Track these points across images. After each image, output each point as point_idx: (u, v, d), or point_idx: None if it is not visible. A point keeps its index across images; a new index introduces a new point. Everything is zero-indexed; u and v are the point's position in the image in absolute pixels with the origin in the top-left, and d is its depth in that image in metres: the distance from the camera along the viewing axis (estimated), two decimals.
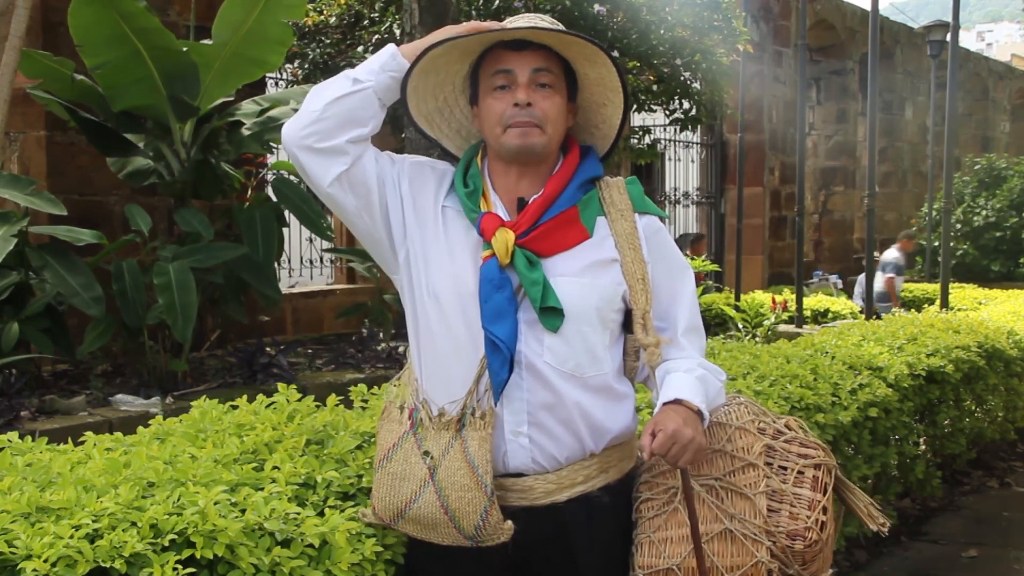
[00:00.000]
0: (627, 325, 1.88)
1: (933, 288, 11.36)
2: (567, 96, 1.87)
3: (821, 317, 10.12)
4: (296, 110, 5.69)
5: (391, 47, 1.85)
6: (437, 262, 1.83)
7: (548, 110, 1.82)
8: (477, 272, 1.78)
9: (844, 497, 2.01)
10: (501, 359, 1.73)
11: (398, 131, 7.85)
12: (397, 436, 1.84)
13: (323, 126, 1.80)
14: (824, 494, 1.89)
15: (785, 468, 1.90)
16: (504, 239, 1.77)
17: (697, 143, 14.73)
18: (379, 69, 1.82)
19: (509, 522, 1.75)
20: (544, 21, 1.86)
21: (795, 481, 1.89)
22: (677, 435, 1.71)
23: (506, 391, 1.76)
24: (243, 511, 1.73)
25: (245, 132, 5.92)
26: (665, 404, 1.79)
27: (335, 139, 1.80)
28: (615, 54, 7.56)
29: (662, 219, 1.95)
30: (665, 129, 12.42)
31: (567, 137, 1.93)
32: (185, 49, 5.31)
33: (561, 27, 1.86)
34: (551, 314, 1.76)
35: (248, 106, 6.07)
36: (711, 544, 1.81)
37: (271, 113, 6.01)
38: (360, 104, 1.81)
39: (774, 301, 9.87)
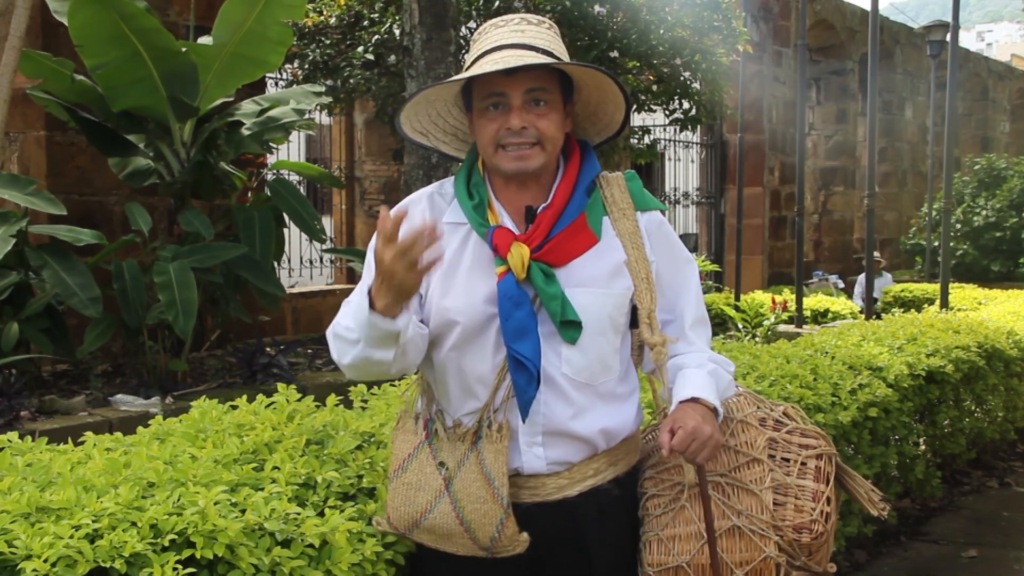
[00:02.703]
0: (632, 321, 1.88)
1: (933, 288, 11.36)
2: (564, 102, 1.84)
3: (821, 317, 10.12)
4: (296, 111, 5.63)
5: (364, 305, 1.66)
6: (448, 284, 1.81)
7: (545, 128, 1.78)
8: (492, 288, 1.77)
9: (844, 483, 2.02)
10: (527, 377, 1.72)
11: (397, 132, 7.85)
12: (412, 446, 1.84)
13: (364, 376, 1.80)
14: (827, 484, 1.90)
15: (788, 460, 1.91)
16: (520, 254, 1.75)
17: (697, 143, 14.72)
18: (361, 327, 1.68)
19: (525, 534, 1.75)
20: (530, 24, 1.82)
21: (799, 473, 1.90)
22: (697, 432, 1.73)
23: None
24: (243, 511, 1.73)
25: (245, 132, 5.92)
26: (681, 402, 1.80)
27: (384, 373, 1.75)
28: (615, 54, 7.60)
29: (662, 212, 1.95)
30: (665, 129, 12.42)
31: (566, 135, 1.91)
32: (185, 49, 5.31)
33: (553, 47, 1.81)
34: (570, 327, 1.76)
35: (248, 106, 6.07)
36: (720, 541, 1.82)
37: (271, 113, 6.01)
38: (365, 358, 1.71)
39: (774, 301, 9.88)
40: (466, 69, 1.82)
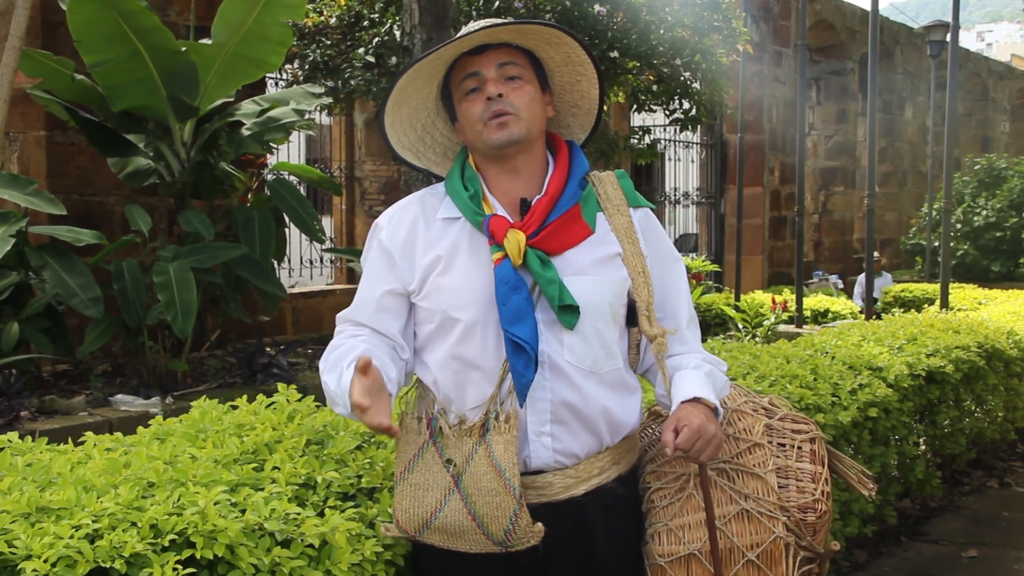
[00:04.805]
0: (629, 319, 1.90)
1: (933, 288, 11.36)
2: (540, 86, 1.88)
3: (821, 317, 10.12)
4: (296, 111, 5.62)
5: (336, 403, 1.76)
6: (446, 279, 1.81)
7: (520, 98, 1.82)
8: (489, 276, 1.78)
9: (835, 466, 2.05)
10: (525, 360, 1.73)
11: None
12: (417, 447, 1.83)
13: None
14: (823, 466, 1.94)
15: (784, 445, 1.95)
16: (516, 240, 1.76)
17: (697, 143, 14.73)
18: (343, 405, 1.74)
19: (539, 524, 1.75)
20: (495, 23, 1.85)
21: (796, 456, 1.94)
22: (702, 431, 1.75)
23: (530, 391, 1.76)
24: (243, 511, 1.73)
25: (245, 132, 5.92)
26: (683, 402, 1.81)
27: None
28: (615, 54, 7.60)
29: (653, 211, 1.97)
30: (665, 129, 12.42)
31: (552, 135, 1.93)
32: (185, 49, 5.31)
33: (512, 20, 1.86)
34: (568, 312, 1.76)
35: (248, 106, 6.07)
36: (729, 525, 1.84)
37: (271, 113, 6.01)
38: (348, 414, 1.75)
39: (774, 301, 9.87)
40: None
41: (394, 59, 7.52)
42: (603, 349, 1.82)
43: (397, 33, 7.07)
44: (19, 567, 1.51)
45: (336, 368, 1.78)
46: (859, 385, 3.83)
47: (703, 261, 12.26)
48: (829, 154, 17.60)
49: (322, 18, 7.97)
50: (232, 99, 6.10)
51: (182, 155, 5.72)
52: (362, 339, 1.85)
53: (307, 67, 7.95)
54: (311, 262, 9.89)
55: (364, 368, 1.64)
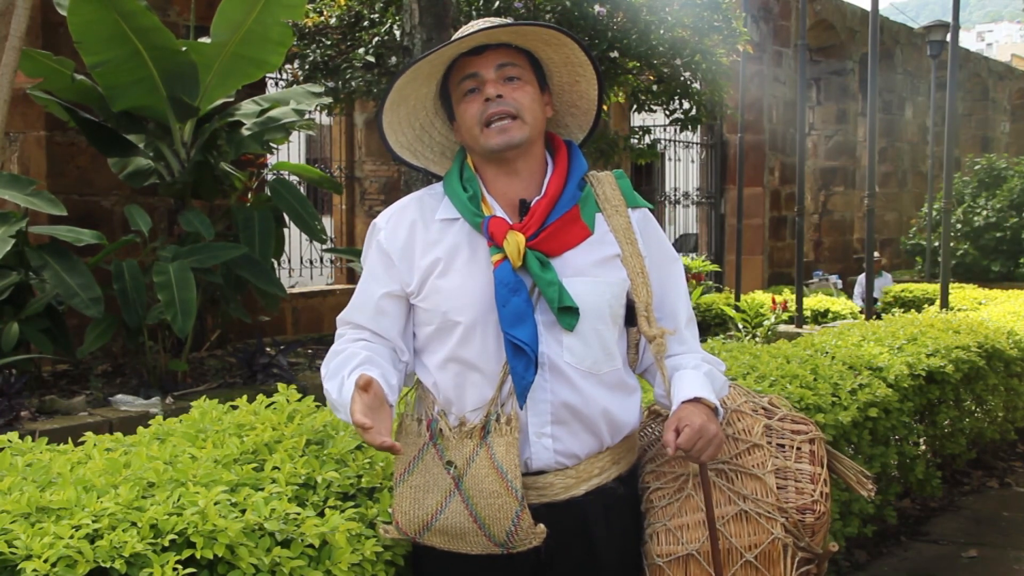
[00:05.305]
0: (628, 319, 1.90)
1: (933, 288, 11.36)
2: (539, 86, 1.87)
3: (821, 317, 10.12)
4: (296, 111, 5.62)
5: (338, 410, 1.79)
6: (446, 281, 1.81)
7: (521, 99, 1.81)
8: (488, 277, 1.78)
9: (834, 467, 2.05)
10: (525, 362, 1.73)
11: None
12: (417, 448, 1.83)
13: None
14: (822, 467, 1.94)
15: (783, 445, 1.95)
16: (516, 242, 1.76)
17: (697, 143, 14.73)
18: (343, 412, 1.76)
19: (541, 526, 1.75)
20: (495, 23, 1.85)
21: (796, 457, 1.94)
22: (703, 430, 1.75)
23: (530, 393, 1.76)
24: (243, 511, 1.73)
25: (245, 132, 5.92)
26: (684, 402, 1.82)
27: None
28: (615, 54, 7.60)
29: (651, 211, 1.97)
30: (665, 129, 12.42)
31: (551, 135, 1.93)
32: (184, 49, 5.31)
33: (511, 21, 1.86)
34: (568, 313, 1.76)
35: (248, 106, 6.07)
36: (728, 526, 1.84)
37: (271, 113, 6.01)
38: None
39: (774, 301, 9.88)
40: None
41: (394, 59, 7.52)
42: (602, 350, 1.82)
43: (397, 33, 7.07)
44: (19, 567, 1.51)
45: (337, 376, 1.81)
46: (859, 385, 3.83)
47: (703, 261, 12.27)
48: (829, 154, 17.60)
49: (322, 18, 7.97)
50: (232, 99, 6.10)
51: (182, 155, 5.72)
52: (362, 344, 1.87)
53: (307, 67, 7.96)
54: (311, 262, 9.89)
55: (365, 386, 1.66)
